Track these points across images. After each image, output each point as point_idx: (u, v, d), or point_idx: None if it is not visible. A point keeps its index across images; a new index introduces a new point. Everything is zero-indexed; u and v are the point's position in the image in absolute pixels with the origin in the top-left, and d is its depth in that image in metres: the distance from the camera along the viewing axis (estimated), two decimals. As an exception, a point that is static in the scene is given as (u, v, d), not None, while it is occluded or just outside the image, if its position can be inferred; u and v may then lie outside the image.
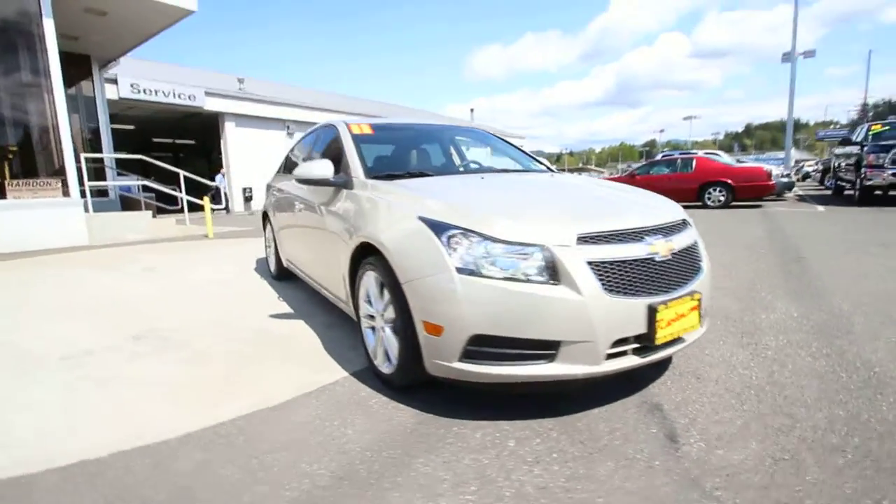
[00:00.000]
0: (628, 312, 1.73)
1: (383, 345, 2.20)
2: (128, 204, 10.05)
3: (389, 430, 1.83)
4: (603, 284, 1.70)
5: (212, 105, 18.61)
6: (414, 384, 2.09)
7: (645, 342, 1.79)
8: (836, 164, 13.08)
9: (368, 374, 2.35)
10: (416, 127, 3.44)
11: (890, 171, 9.47)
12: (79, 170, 7.46)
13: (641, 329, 1.76)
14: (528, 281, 1.70)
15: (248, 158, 19.91)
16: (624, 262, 1.77)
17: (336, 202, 2.68)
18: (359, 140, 2.87)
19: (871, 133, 11.05)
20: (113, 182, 9.86)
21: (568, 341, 1.69)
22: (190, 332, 3.06)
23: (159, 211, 9.25)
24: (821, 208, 10.36)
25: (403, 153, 3.15)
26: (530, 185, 2.54)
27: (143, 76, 15.83)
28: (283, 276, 4.40)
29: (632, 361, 1.80)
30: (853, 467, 1.52)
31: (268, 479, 1.55)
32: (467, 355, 1.76)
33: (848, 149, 11.76)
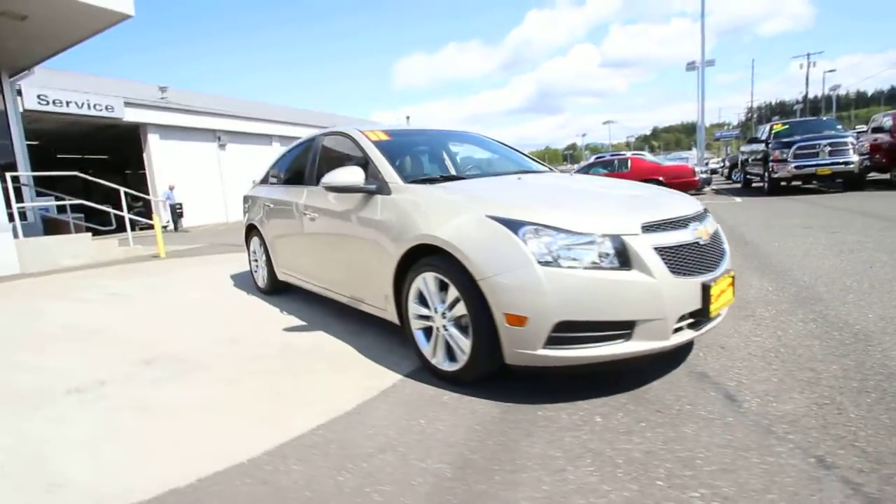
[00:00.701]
0: (689, 290, 1.95)
1: (443, 343, 2.26)
2: (52, 226, 9.03)
3: (480, 422, 1.90)
4: (668, 267, 1.90)
5: (132, 116, 17.24)
6: (482, 378, 2.17)
7: (699, 316, 2.02)
8: (744, 160, 14.75)
9: (423, 374, 2.39)
10: (427, 132, 3.51)
11: (793, 165, 10.89)
12: (4, 190, 6.61)
13: (698, 305, 1.98)
14: (604, 268, 1.86)
15: (177, 172, 18.60)
16: (680, 246, 1.99)
17: (368, 208, 2.69)
18: (381, 147, 2.90)
19: (773, 131, 12.63)
20: (33, 203, 8.82)
21: (643, 320, 1.87)
22: (203, 353, 2.91)
23: (90, 232, 8.36)
24: (738, 199, 11.65)
25: (422, 158, 3.21)
26: (565, 183, 2.71)
27: (52, 86, 14.31)
28: (274, 290, 4.25)
29: (690, 334, 2.01)
30: (880, 403, 1.83)
31: (389, 480, 1.57)
32: (551, 342, 1.88)
33: (754, 146, 13.35)
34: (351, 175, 2.68)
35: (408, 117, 36.73)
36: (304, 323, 3.42)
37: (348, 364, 2.61)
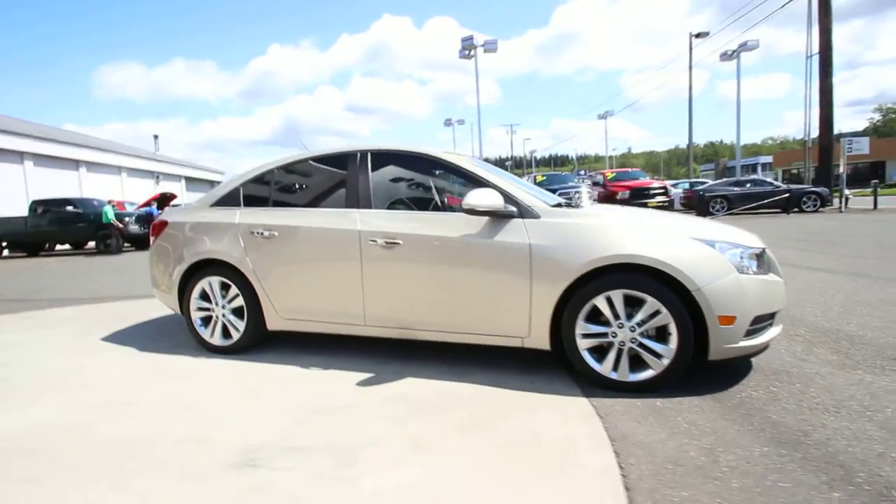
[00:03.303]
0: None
1: (626, 356, 2.42)
2: None
3: (736, 420, 2.17)
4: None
5: None
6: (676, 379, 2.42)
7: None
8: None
9: (596, 391, 2.45)
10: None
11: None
12: None
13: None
14: (763, 273, 2.46)
15: None
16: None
17: (506, 232, 2.59)
18: (489, 170, 2.82)
19: (537, 181, 16.33)
20: None
21: (778, 311, 2.53)
22: (298, 437, 2.16)
23: None
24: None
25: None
26: (657, 213, 3.18)
27: None
28: (247, 346, 3.26)
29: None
30: None
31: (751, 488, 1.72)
32: (747, 334, 2.34)
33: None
34: (492, 198, 2.55)
35: (156, 137, 30.70)
36: (370, 374, 2.83)
37: (527, 405, 2.38)
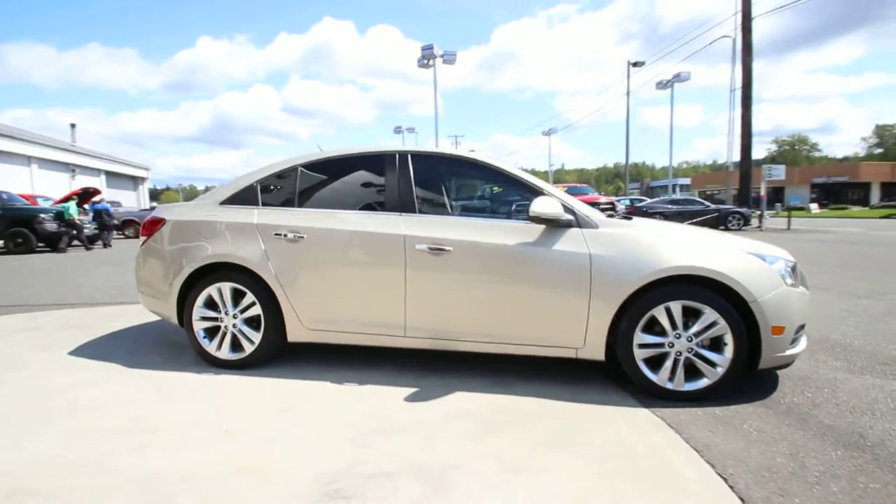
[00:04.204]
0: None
1: (682, 366, 2.47)
2: None
3: (795, 425, 2.27)
4: (801, 285, 2.84)
5: None
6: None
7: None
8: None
9: (663, 403, 2.45)
10: None
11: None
12: None
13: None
14: (799, 286, 2.61)
15: None
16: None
17: (564, 241, 2.56)
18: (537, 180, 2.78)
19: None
20: None
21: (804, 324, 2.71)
22: (372, 461, 1.98)
23: None
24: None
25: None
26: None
27: None
28: (260, 359, 2.95)
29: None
30: None
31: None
32: (791, 343, 2.48)
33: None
34: (553, 206, 2.52)
35: (73, 125, 27.47)
36: (414, 389, 2.66)
37: (596, 418, 2.35)
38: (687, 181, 64.68)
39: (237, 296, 2.96)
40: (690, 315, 2.47)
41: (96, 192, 15.65)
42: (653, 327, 2.52)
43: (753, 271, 2.46)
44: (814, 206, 37.75)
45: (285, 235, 2.87)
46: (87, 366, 3.07)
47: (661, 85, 25.81)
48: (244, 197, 3.06)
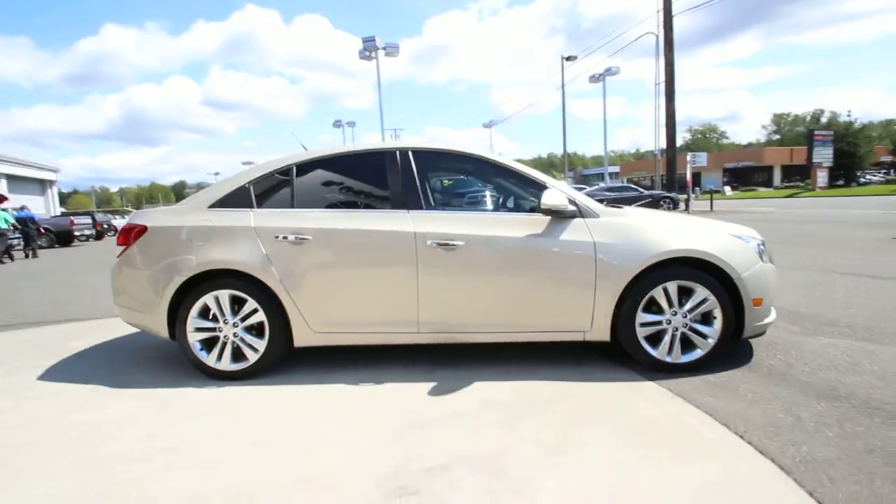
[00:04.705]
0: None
1: (679, 340, 2.72)
2: None
3: (780, 384, 2.56)
4: (770, 261, 3.18)
5: None
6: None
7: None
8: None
9: (663, 376, 2.68)
10: None
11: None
12: None
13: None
14: (768, 261, 2.93)
15: None
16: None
17: (569, 231, 2.70)
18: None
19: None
20: None
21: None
22: (425, 456, 2.03)
23: None
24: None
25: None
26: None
27: None
28: (264, 367, 2.85)
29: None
30: None
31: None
32: (767, 312, 2.79)
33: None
34: (561, 198, 2.65)
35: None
36: (433, 383, 2.69)
37: (610, 394, 2.52)
38: (616, 169, 68.48)
39: (236, 303, 2.83)
40: (683, 293, 2.71)
41: (3, 198, 13.95)
42: (650, 307, 2.73)
43: (736, 250, 2.73)
44: (727, 189, 41.50)
45: (288, 238, 2.78)
46: (67, 390, 2.81)
47: (595, 78, 27.20)
48: (236, 199, 2.92)
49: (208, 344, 2.86)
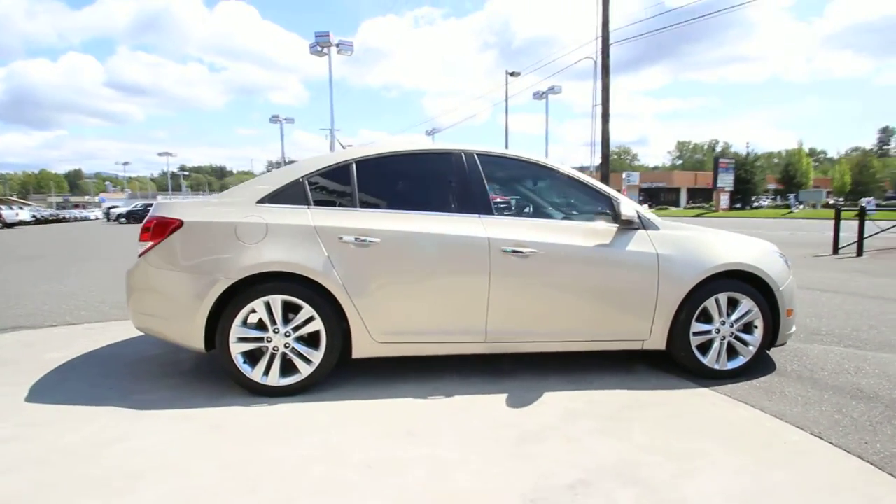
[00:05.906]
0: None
1: (724, 349, 2.91)
2: None
3: (816, 387, 2.81)
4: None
5: None
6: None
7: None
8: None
9: (713, 383, 2.84)
10: None
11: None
12: None
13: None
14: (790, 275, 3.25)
15: None
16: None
17: (635, 242, 2.79)
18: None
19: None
20: None
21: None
22: (557, 472, 1.97)
23: None
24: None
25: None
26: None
27: None
28: (318, 380, 2.61)
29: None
30: None
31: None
32: (793, 323, 3.07)
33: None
34: (633, 210, 2.75)
35: None
36: (502, 394, 2.62)
37: (680, 400, 2.60)
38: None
39: (289, 310, 2.57)
40: (729, 304, 2.91)
41: None
42: (701, 317, 2.90)
43: (775, 264, 2.99)
44: (645, 207, 45.38)
45: (353, 240, 2.58)
46: (79, 415, 2.36)
47: (538, 95, 28.59)
48: (289, 195, 2.66)
49: (251, 356, 2.56)
